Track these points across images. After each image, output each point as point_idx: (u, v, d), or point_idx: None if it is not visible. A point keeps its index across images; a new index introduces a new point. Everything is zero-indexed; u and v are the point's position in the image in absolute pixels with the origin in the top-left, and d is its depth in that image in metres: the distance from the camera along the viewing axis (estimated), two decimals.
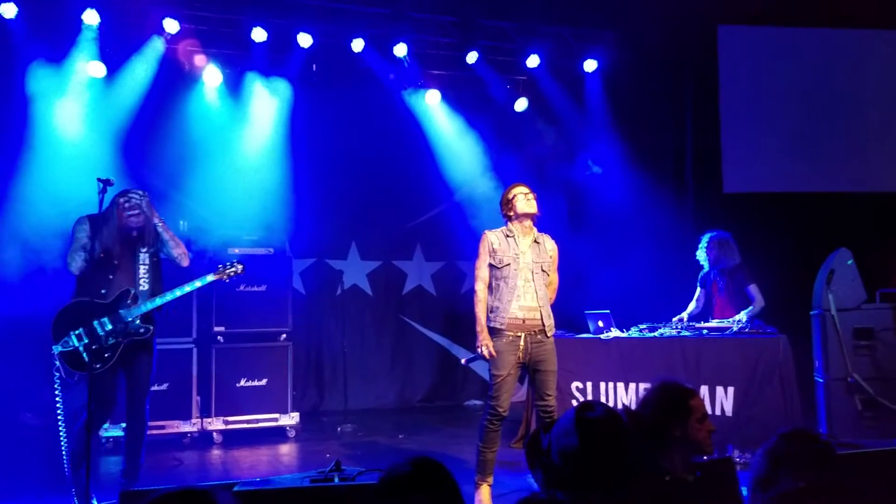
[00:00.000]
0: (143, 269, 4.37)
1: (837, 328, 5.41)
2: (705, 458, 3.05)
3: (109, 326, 4.23)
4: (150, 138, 6.76)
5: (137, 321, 4.30)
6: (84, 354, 4.17)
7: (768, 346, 5.27)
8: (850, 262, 5.56)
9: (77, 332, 4.19)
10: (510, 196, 4.54)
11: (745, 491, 2.81)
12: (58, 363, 4.15)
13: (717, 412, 5.29)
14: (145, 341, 4.36)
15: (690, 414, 2.65)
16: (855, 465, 3.68)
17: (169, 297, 4.38)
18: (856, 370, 5.36)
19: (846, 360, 5.38)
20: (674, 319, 5.90)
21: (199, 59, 6.90)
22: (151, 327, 4.38)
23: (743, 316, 5.59)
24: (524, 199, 4.48)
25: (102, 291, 4.28)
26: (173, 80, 6.86)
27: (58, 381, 4.18)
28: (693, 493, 2.75)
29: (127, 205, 4.36)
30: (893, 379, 5.38)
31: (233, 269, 4.62)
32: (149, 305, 4.34)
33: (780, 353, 5.22)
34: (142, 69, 6.60)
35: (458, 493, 1.74)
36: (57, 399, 4.20)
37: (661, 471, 2.63)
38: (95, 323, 4.22)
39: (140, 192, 4.37)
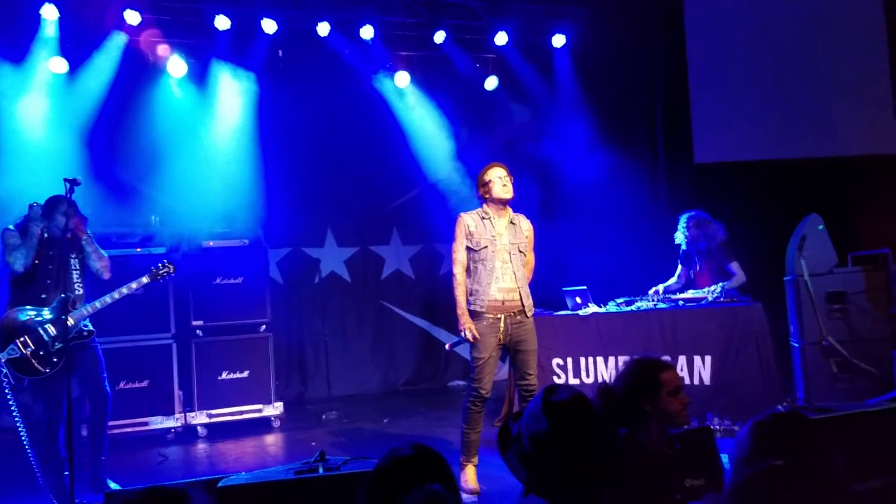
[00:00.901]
0: (76, 275, 4.55)
1: (811, 293, 5.50)
2: (685, 428, 3.10)
3: (54, 332, 4.36)
4: (116, 133, 6.67)
5: (80, 324, 4.47)
6: (32, 361, 4.28)
7: (743, 314, 5.34)
8: (821, 227, 5.64)
9: (21, 339, 4.30)
10: (486, 178, 4.53)
11: (725, 458, 2.87)
12: (5, 370, 4.26)
13: (696, 381, 5.37)
14: (86, 343, 4.54)
15: (661, 387, 2.68)
16: (832, 429, 3.77)
17: (108, 299, 4.59)
18: (830, 333, 5.46)
19: (820, 323, 5.47)
20: (650, 292, 5.96)
21: (163, 50, 6.79)
22: (93, 329, 4.61)
23: (717, 287, 5.64)
24: (500, 185, 4.48)
25: (42, 297, 4.43)
26: (137, 73, 6.76)
27: (7, 386, 4.29)
28: (674, 465, 2.80)
29: (59, 213, 4.45)
30: (867, 340, 5.49)
31: (165, 270, 4.86)
32: (90, 309, 4.52)
33: (756, 321, 5.29)
34: (105, 63, 6.48)
35: (453, 477, 1.76)
36: (10, 404, 4.32)
37: (640, 446, 2.67)
38: (40, 329, 4.34)
39: (69, 200, 4.34)
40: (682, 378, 5.32)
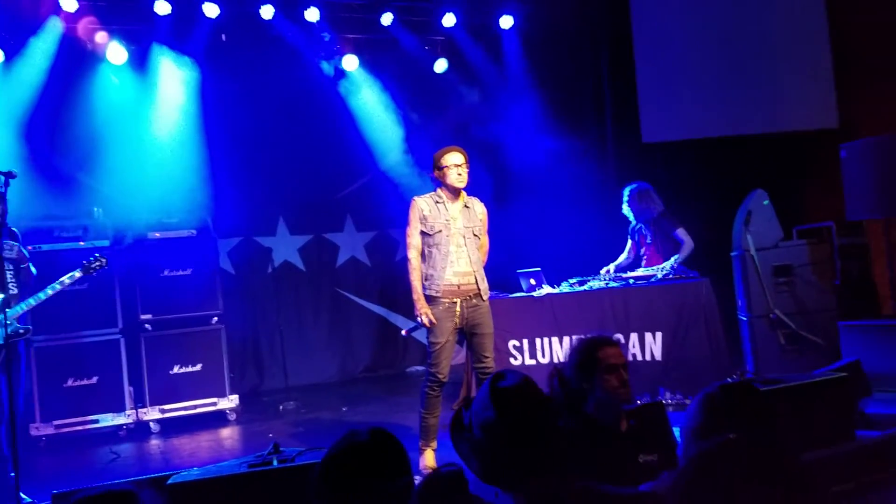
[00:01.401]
0: (9, 275, 4.42)
1: (757, 267, 5.62)
2: (637, 403, 3.15)
3: None
4: (55, 123, 6.47)
5: (16, 324, 4.37)
6: None
7: (692, 290, 5.44)
8: (766, 202, 5.75)
9: None
10: (443, 163, 4.47)
11: (677, 432, 2.91)
12: None
13: (647, 357, 5.45)
14: (18, 344, 4.45)
15: (597, 365, 2.71)
16: (780, 399, 3.86)
17: (42, 296, 4.53)
18: (777, 306, 5.59)
19: (767, 297, 5.60)
20: (601, 271, 6.02)
21: (101, 37, 6.58)
22: (30, 327, 4.55)
23: (667, 264, 5.72)
24: (455, 174, 4.44)
25: None
26: (76, 61, 6.54)
27: None
28: (627, 441, 2.83)
29: None
30: (813, 312, 5.64)
31: (98, 264, 4.84)
32: (24, 307, 4.43)
33: (704, 296, 5.39)
34: (41, 51, 6.25)
35: (409, 462, 1.75)
36: None
37: (592, 424, 2.69)
38: None
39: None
40: (633, 355, 5.41)
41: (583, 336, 2.93)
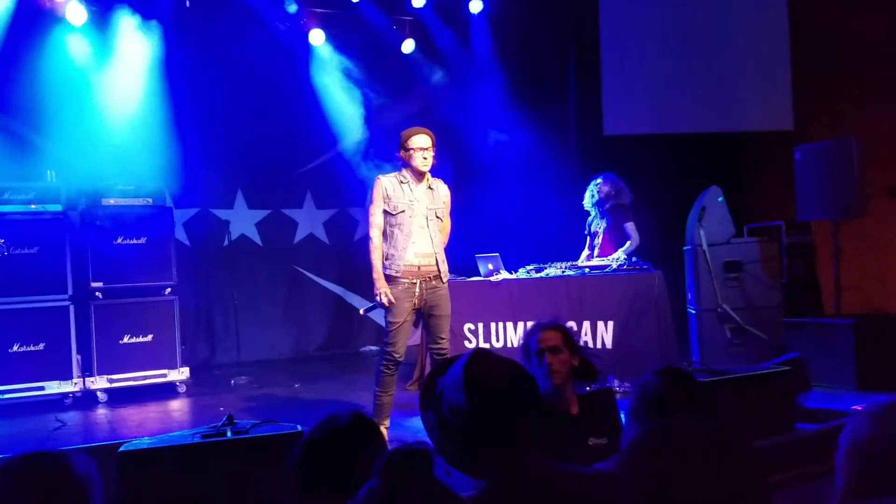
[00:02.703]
0: None
1: (708, 262, 5.77)
2: (587, 389, 3.22)
3: None
4: (8, 83, 6.24)
5: None
6: None
7: (644, 282, 5.54)
8: (720, 199, 5.90)
9: None
10: (409, 145, 4.46)
11: (623, 417, 3.00)
12: None
13: (599, 345, 5.56)
14: None
15: (533, 348, 2.81)
16: (724, 390, 3.98)
17: None
18: (725, 301, 5.75)
19: (716, 291, 5.75)
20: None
21: None
22: None
23: (621, 254, 5.83)
24: (420, 157, 4.42)
25: None
26: (33, 19, 6.32)
27: None
28: (578, 425, 2.90)
29: None
30: (760, 308, 5.81)
31: None
32: None
33: (656, 288, 5.49)
34: None
35: (387, 446, 1.76)
36: None
37: (546, 406, 2.76)
38: None
39: None
40: (585, 342, 5.51)
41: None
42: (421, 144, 4.44)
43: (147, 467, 2.63)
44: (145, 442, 2.76)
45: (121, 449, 2.64)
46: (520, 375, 1.87)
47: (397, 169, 4.57)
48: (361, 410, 1.80)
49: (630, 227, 5.99)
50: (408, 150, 4.46)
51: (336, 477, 1.65)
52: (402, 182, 4.49)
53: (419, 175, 4.49)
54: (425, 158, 4.44)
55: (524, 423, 1.82)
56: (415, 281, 4.43)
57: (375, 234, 4.44)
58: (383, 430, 4.51)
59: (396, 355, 4.44)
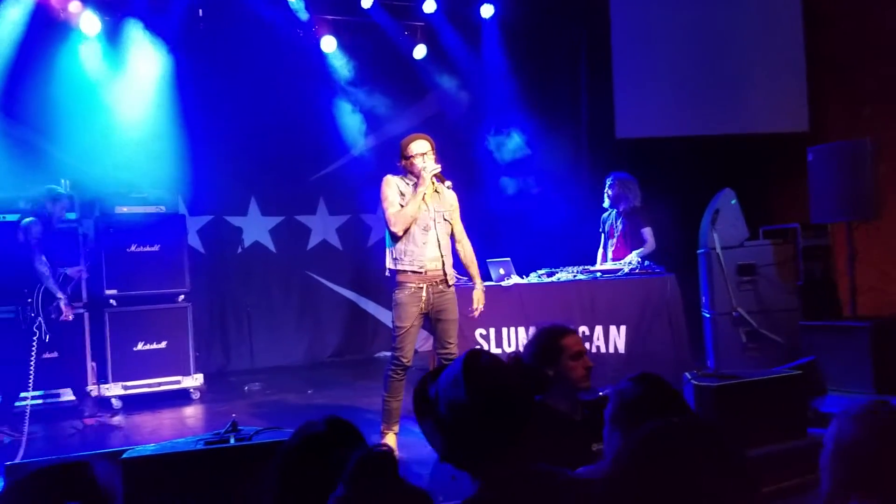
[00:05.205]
0: None
1: (722, 265, 5.70)
2: (600, 394, 3.18)
3: None
4: (25, 93, 6.33)
5: None
6: None
7: (657, 285, 5.49)
8: (733, 201, 5.83)
9: None
10: (409, 152, 4.46)
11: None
12: None
13: (611, 350, 5.51)
14: None
15: (562, 352, 2.74)
16: (736, 394, 3.93)
17: None
18: (740, 304, 5.68)
19: (731, 295, 5.68)
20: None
21: (74, 6, 6.45)
22: None
23: (634, 257, 5.78)
24: (421, 163, 4.42)
25: None
26: (48, 29, 6.41)
27: None
28: (581, 431, 2.87)
29: None
30: (775, 311, 5.73)
31: None
32: None
33: (669, 292, 5.45)
34: (11, 17, 6.13)
35: (368, 449, 1.75)
36: None
37: (548, 411, 2.73)
38: None
39: None
40: (598, 347, 5.48)
41: (544, 324, 2.95)
42: (419, 150, 4.44)
43: (149, 474, 2.63)
44: (148, 449, 2.76)
45: (123, 456, 2.65)
46: (514, 372, 1.88)
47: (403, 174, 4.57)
48: (339, 415, 1.78)
49: (647, 231, 5.94)
50: (408, 157, 4.47)
51: (315, 484, 1.64)
52: (408, 184, 4.50)
53: (424, 179, 4.48)
54: (425, 163, 4.43)
55: (521, 417, 1.82)
56: (421, 285, 4.43)
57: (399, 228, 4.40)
58: (392, 435, 4.51)
59: (404, 360, 4.43)
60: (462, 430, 1.78)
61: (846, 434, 1.50)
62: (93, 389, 5.99)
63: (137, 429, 5.53)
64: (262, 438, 2.82)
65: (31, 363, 5.14)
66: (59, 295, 5.35)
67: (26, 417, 4.99)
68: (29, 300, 5.26)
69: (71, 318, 5.44)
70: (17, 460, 4.03)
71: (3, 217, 5.65)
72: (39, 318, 5.27)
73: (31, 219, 5.32)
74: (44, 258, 5.28)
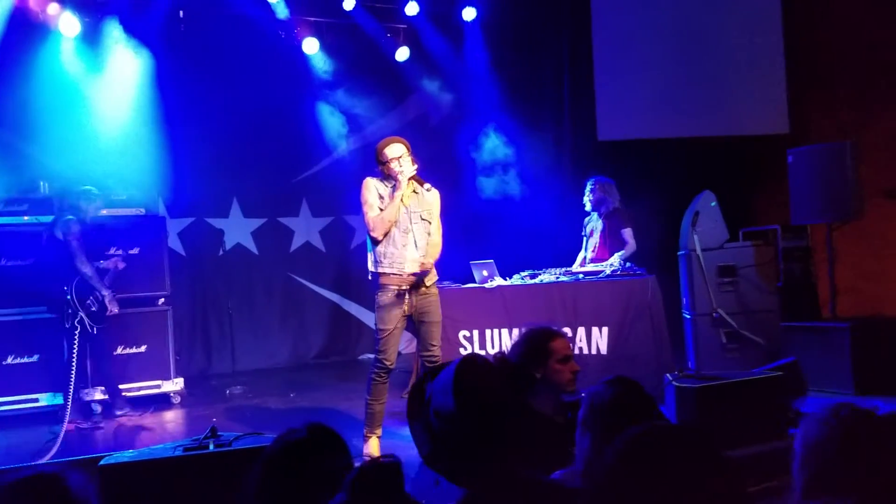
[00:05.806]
0: None
1: (702, 266, 5.72)
2: (582, 395, 3.18)
3: None
4: (3, 95, 6.28)
5: None
6: None
7: (639, 287, 5.51)
8: (713, 203, 5.86)
9: None
10: (383, 158, 4.43)
11: None
12: None
13: (594, 351, 5.53)
14: None
15: (550, 355, 2.74)
16: (717, 396, 3.95)
17: None
18: (720, 305, 5.71)
19: (711, 296, 5.71)
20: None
21: (53, 8, 6.38)
22: None
23: (615, 259, 5.80)
24: (398, 167, 4.40)
25: None
26: (26, 30, 6.34)
27: None
28: (565, 434, 2.87)
29: None
30: (755, 312, 5.77)
31: None
32: None
33: (650, 293, 5.47)
34: None
35: (350, 454, 1.74)
36: None
37: (531, 413, 2.73)
38: None
39: None
40: (580, 348, 5.49)
41: (531, 327, 2.94)
42: (394, 154, 4.42)
43: (127, 482, 2.61)
44: (126, 455, 2.74)
45: (101, 463, 2.62)
46: (504, 383, 1.87)
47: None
48: (321, 421, 1.77)
49: (627, 233, 5.98)
50: (384, 161, 4.45)
51: (297, 491, 1.63)
52: (387, 187, 4.48)
53: (401, 183, 4.46)
54: (402, 166, 4.42)
55: (508, 429, 1.82)
56: (404, 287, 4.42)
57: (379, 233, 4.39)
58: (375, 439, 4.49)
59: (387, 363, 4.42)
60: (448, 439, 1.77)
61: (811, 436, 1.53)
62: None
63: (116, 434, 5.47)
64: (242, 444, 2.81)
65: (73, 361, 5.30)
66: (104, 291, 5.53)
67: None
68: (68, 297, 5.38)
69: (116, 311, 5.62)
70: None
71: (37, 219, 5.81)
72: (81, 313, 5.39)
73: (70, 217, 5.46)
74: (84, 258, 5.44)
